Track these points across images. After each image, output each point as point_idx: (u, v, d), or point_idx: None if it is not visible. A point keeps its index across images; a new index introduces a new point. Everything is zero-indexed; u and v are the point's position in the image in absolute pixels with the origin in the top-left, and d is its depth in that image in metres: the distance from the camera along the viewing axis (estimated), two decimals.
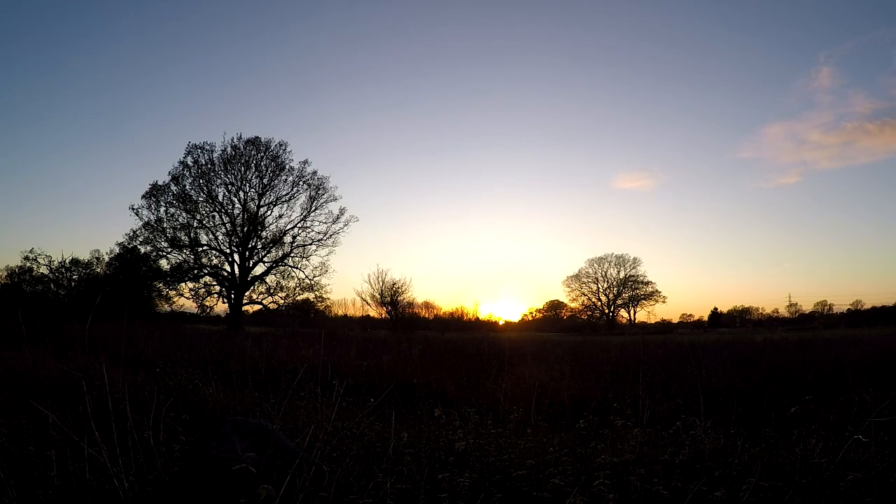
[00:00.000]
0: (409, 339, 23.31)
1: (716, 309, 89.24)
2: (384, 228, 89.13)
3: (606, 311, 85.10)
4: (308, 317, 50.23)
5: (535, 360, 13.97)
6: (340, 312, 59.43)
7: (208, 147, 48.40)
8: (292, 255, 50.05)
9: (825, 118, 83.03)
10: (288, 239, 49.91)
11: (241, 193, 48.89)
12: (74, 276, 47.27)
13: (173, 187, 48.20)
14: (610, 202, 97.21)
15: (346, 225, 50.07)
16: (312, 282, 50.08)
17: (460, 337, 28.92)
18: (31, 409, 5.44)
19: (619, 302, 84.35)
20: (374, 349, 16.03)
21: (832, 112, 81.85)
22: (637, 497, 3.73)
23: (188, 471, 3.43)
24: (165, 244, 48.03)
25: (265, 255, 49.90)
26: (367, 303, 54.10)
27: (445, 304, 79.31)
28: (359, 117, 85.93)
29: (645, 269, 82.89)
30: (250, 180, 48.91)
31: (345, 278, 75.38)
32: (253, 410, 6.34)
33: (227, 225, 49.01)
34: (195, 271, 48.95)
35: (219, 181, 48.44)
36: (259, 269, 49.98)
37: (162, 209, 48.06)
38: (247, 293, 49.79)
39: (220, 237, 49.25)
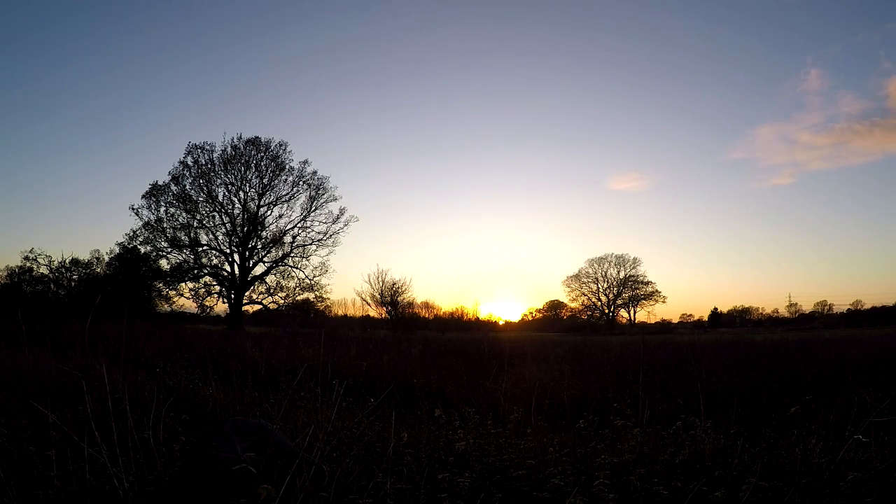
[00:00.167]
0: (409, 339, 23.30)
1: (716, 309, 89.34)
2: (384, 228, 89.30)
3: (606, 311, 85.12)
4: (308, 317, 50.24)
5: (535, 360, 13.97)
6: (340, 312, 59.49)
7: (208, 147, 48.46)
8: (292, 255, 50.09)
9: (815, 119, 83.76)
10: (288, 239, 49.97)
11: (241, 193, 48.95)
12: (74, 276, 47.29)
13: (173, 187, 48.26)
14: (607, 202, 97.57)
15: (346, 225, 50.14)
16: (312, 282, 50.12)
17: (460, 337, 28.93)
18: (31, 409, 5.44)
19: (619, 302, 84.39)
20: (374, 349, 16.03)
21: (822, 113, 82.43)
22: (637, 497, 3.72)
23: (188, 471, 3.43)
24: (165, 244, 48.08)
25: (265, 255, 49.94)
26: (367, 303, 54.13)
27: (445, 304, 79.42)
28: (359, 117, 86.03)
29: (645, 269, 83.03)
30: (250, 180, 48.96)
31: (345, 278, 75.58)
32: (253, 410, 6.34)
33: (227, 225, 49.05)
34: (195, 271, 48.97)
35: (219, 181, 48.50)
36: (259, 269, 50.06)
37: (162, 209, 48.13)
38: (247, 293, 49.81)
39: (220, 237, 49.31)
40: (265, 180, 49.11)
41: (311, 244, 50.09)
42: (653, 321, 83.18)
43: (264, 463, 3.22)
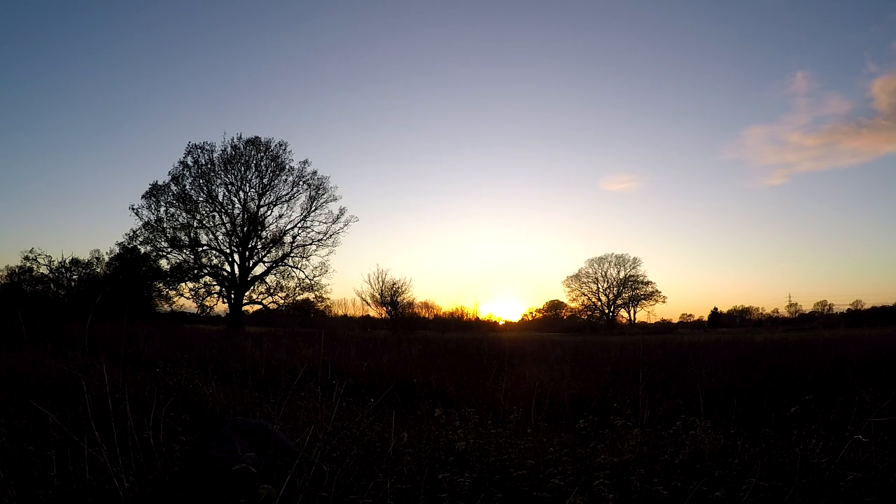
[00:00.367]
0: (409, 339, 23.31)
1: (716, 309, 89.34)
2: (384, 228, 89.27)
3: (606, 311, 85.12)
4: (308, 317, 50.24)
5: (535, 360, 13.97)
6: (340, 312, 59.50)
7: (208, 147, 48.48)
8: (292, 255, 50.11)
9: (803, 120, 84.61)
10: (288, 239, 49.99)
11: (241, 193, 48.97)
12: (74, 276, 47.31)
13: (173, 187, 48.28)
14: (604, 203, 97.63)
15: (346, 225, 50.16)
16: (312, 282, 50.14)
17: (460, 337, 28.93)
18: (31, 409, 5.44)
19: (619, 302, 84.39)
20: (374, 349, 16.03)
21: (810, 115, 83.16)
22: (637, 497, 3.72)
23: (188, 471, 3.43)
24: (165, 244, 48.10)
25: (265, 255, 49.95)
26: (367, 303, 54.10)
27: (445, 304, 79.50)
28: (359, 117, 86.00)
29: (645, 269, 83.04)
30: (250, 180, 48.97)
31: (345, 278, 75.60)
32: (253, 410, 6.34)
33: (227, 225, 49.05)
34: (195, 271, 48.98)
35: (219, 181, 48.52)
36: (259, 269, 50.08)
37: (162, 209, 48.15)
38: (247, 293, 49.81)
39: (220, 237, 49.33)
40: (265, 180, 49.16)
41: (311, 244, 50.18)
42: (653, 321, 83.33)
43: (264, 463, 3.22)
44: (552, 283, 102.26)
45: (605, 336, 47.97)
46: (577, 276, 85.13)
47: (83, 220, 75.94)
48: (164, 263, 48.78)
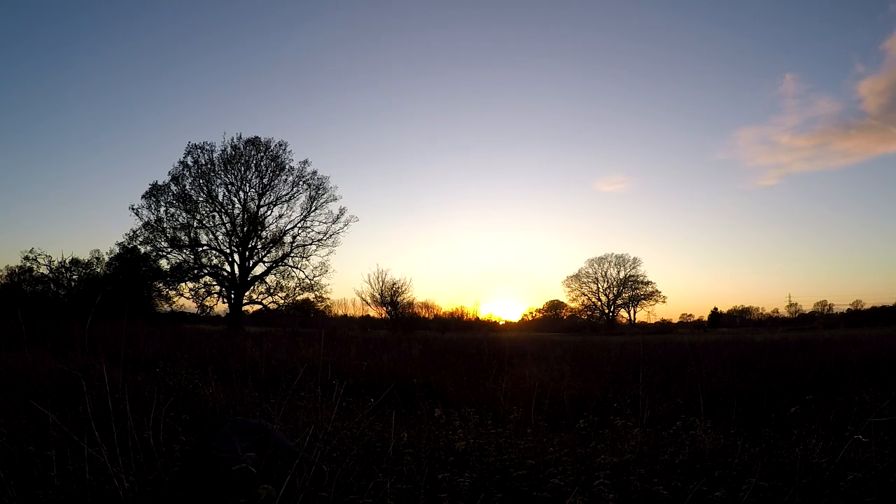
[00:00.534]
0: (409, 339, 23.31)
1: (716, 309, 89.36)
2: (384, 228, 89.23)
3: (606, 311, 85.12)
4: (308, 317, 50.22)
5: (535, 360, 13.96)
6: (340, 312, 59.49)
7: (208, 147, 48.47)
8: (292, 255, 50.11)
9: (793, 122, 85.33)
10: (288, 239, 49.99)
11: (241, 193, 48.96)
12: (74, 276, 47.29)
13: (173, 187, 48.27)
14: (600, 203, 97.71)
15: (346, 225, 50.16)
16: (312, 282, 50.14)
17: (460, 337, 28.95)
18: (31, 409, 5.44)
19: (619, 302, 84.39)
20: (374, 349, 16.03)
21: (800, 116, 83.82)
22: (637, 497, 3.72)
23: (188, 471, 3.43)
24: (165, 244, 48.09)
25: (265, 255, 49.95)
26: (367, 303, 54.12)
27: (445, 304, 79.45)
28: (359, 117, 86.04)
29: (645, 269, 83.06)
30: (250, 180, 48.96)
31: (345, 278, 75.67)
32: (253, 410, 6.34)
33: (227, 225, 49.05)
34: (195, 271, 48.97)
35: (219, 181, 48.52)
36: (259, 269, 50.08)
37: (162, 209, 48.14)
38: (247, 293, 49.81)
39: (220, 237, 49.33)
40: (265, 180, 49.15)
41: (311, 244, 50.18)
42: (653, 321, 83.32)
43: (264, 463, 3.22)
44: (552, 283, 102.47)
45: (605, 336, 47.97)
46: (577, 276, 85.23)
47: (83, 220, 76.05)
48: (164, 263, 48.84)
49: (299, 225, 49.95)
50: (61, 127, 75.15)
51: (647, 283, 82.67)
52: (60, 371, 7.71)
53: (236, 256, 49.37)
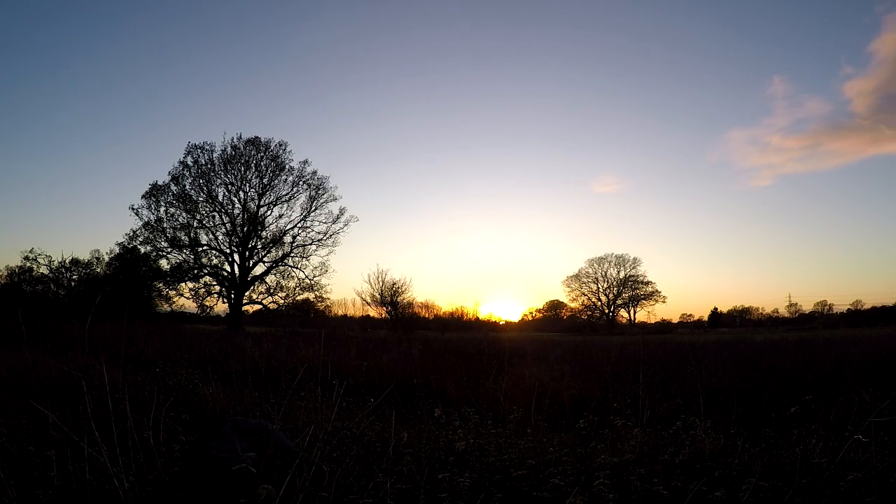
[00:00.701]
0: (409, 339, 23.31)
1: (716, 309, 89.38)
2: (384, 228, 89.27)
3: (606, 311, 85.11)
4: (308, 317, 50.22)
5: (535, 360, 13.96)
6: (340, 312, 59.45)
7: (208, 147, 48.46)
8: (292, 255, 50.10)
9: (783, 123, 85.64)
10: (288, 239, 49.98)
11: (241, 193, 48.95)
12: (74, 276, 47.27)
13: (173, 187, 48.26)
14: (597, 204, 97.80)
15: (346, 225, 50.15)
16: (312, 282, 50.12)
17: (460, 337, 28.94)
18: (31, 409, 5.44)
19: (619, 302, 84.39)
20: (374, 349, 16.03)
21: (789, 117, 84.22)
22: (637, 497, 3.72)
23: (188, 471, 3.43)
24: (165, 244, 48.07)
25: (265, 255, 49.94)
26: (367, 303, 54.01)
27: (445, 304, 79.44)
28: (359, 117, 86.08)
29: (645, 269, 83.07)
30: (250, 180, 48.95)
31: (345, 278, 75.68)
32: (253, 410, 6.34)
33: (227, 225, 49.04)
34: (195, 271, 48.96)
35: (219, 181, 48.50)
36: (259, 269, 50.06)
37: (162, 209, 48.12)
38: (247, 293, 49.80)
39: (220, 237, 49.32)
40: (265, 180, 49.15)
41: (311, 244, 50.17)
42: (653, 321, 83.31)
43: (264, 463, 3.22)
44: (552, 283, 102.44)
45: (605, 336, 47.96)
46: (577, 276, 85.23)
47: (83, 220, 76.01)
48: (164, 263, 48.83)
49: (299, 225, 50.01)
50: (61, 126, 75.25)
51: (647, 283, 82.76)
52: (60, 371, 7.71)
53: (236, 256, 49.42)
